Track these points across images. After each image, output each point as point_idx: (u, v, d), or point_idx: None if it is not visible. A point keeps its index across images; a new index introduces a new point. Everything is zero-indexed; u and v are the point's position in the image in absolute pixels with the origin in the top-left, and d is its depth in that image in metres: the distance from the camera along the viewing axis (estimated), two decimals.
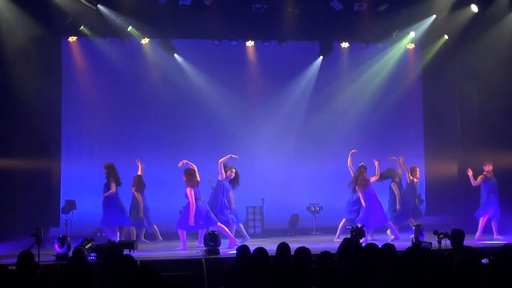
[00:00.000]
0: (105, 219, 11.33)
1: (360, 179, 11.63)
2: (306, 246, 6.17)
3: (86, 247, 8.76)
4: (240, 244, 6.78)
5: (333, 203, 13.00)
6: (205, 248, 9.72)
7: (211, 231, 10.25)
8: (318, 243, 10.96)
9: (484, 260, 5.61)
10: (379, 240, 11.25)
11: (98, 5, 12.22)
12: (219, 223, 10.88)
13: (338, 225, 11.90)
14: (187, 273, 8.27)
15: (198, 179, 10.87)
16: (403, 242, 10.82)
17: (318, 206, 13.56)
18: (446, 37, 13.82)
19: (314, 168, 14.23)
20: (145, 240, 12.32)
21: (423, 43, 14.56)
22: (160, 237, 12.32)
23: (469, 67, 13.20)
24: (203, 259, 8.90)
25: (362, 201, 11.58)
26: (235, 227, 11.37)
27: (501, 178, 12.25)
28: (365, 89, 14.58)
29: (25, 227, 10.24)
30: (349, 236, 9.31)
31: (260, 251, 6.21)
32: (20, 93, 11.74)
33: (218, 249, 9.72)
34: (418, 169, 12.71)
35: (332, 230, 12.48)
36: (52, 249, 9.66)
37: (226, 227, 10.97)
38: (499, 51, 12.34)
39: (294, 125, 14.54)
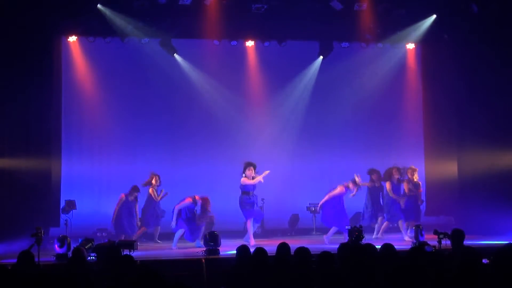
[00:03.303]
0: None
1: None
2: (306, 246, 6.18)
3: (86, 247, 8.76)
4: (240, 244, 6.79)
5: None
6: (205, 248, 9.74)
7: (211, 231, 10.29)
8: (318, 243, 10.95)
9: (484, 260, 5.61)
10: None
11: (98, 5, 12.23)
12: None
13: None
14: (187, 273, 8.27)
15: None
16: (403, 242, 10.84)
17: (318, 206, 13.53)
18: (446, 37, 13.83)
19: (314, 168, 14.22)
20: (158, 241, 12.39)
21: (423, 43, 14.56)
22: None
23: (469, 67, 13.19)
24: (203, 259, 8.91)
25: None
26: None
27: (502, 178, 12.27)
28: (365, 89, 14.56)
29: (25, 227, 10.21)
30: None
31: (260, 251, 6.22)
32: (20, 93, 11.74)
33: (218, 249, 9.74)
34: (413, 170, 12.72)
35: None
36: (52, 249, 9.67)
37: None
38: (499, 51, 12.34)
39: (294, 125, 14.53)
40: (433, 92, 14.52)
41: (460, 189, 13.63)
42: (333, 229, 11.65)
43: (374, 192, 12.58)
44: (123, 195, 11.93)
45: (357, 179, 11.70)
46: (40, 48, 12.18)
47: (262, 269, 5.95)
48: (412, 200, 12.33)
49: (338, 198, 11.67)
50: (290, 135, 14.44)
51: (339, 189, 11.66)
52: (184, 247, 11.27)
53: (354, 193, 11.79)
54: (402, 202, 12.14)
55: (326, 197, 11.69)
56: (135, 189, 12.00)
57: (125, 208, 11.87)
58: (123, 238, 11.72)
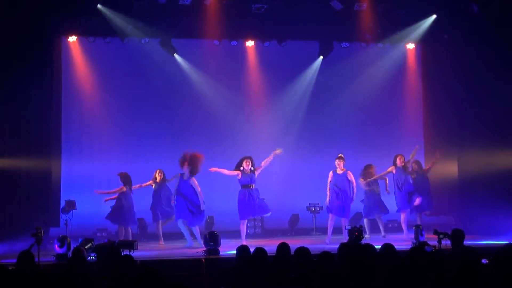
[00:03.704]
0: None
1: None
2: (306, 246, 6.18)
3: (86, 247, 8.77)
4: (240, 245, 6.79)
5: None
6: (205, 248, 9.74)
7: (211, 231, 10.29)
8: (318, 243, 10.95)
9: (484, 260, 5.61)
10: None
11: (98, 5, 12.23)
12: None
13: (342, 225, 11.81)
14: (187, 273, 8.27)
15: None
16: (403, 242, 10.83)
17: (318, 206, 13.55)
18: (446, 37, 13.83)
19: (314, 168, 14.21)
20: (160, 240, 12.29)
21: (423, 43, 14.57)
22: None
23: (469, 67, 13.19)
24: (203, 259, 8.91)
25: None
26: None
27: (501, 177, 12.26)
28: (365, 89, 14.57)
29: (25, 227, 10.23)
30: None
31: (260, 251, 6.22)
32: (20, 93, 11.75)
33: (218, 249, 9.74)
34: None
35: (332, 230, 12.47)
36: (52, 249, 9.67)
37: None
38: (499, 51, 12.34)
39: (294, 124, 14.54)
40: (433, 92, 14.52)
41: (460, 189, 13.63)
42: (329, 224, 11.64)
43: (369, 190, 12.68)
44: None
45: (340, 155, 11.84)
46: (40, 48, 12.19)
47: (262, 269, 5.95)
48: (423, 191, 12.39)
49: (336, 188, 11.67)
50: (290, 135, 14.43)
51: (329, 175, 11.83)
52: (184, 247, 11.27)
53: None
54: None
55: (328, 188, 11.73)
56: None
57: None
58: (123, 231, 11.73)
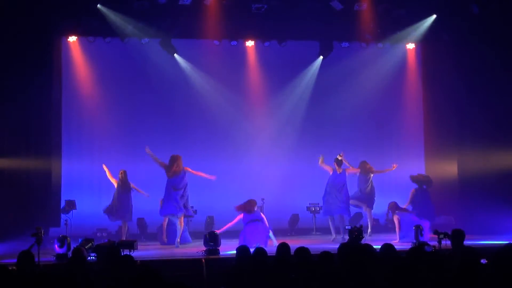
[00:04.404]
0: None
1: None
2: (306, 246, 6.18)
3: (86, 247, 8.76)
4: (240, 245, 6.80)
5: None
6: (205, 248, 9.74)
7: (211, 231, 10.29)
8: (318, 243, 10.96)
9: (483, 260, 5.61)
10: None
11: (98, 5, 12.24)
12: None
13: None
14: (187, 273, 8.27)
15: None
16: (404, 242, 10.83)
17: (318, 206, 13.53)
18: (446, 37, 13.83)
19: (315, 168, 14.19)
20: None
21: (423, 43, 14.57)
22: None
23: (469, 67, 13.19)
24: (203, 259, 8.91)
25: None
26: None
27: (501, 177, 12.27)
28: (365, 89, 14.56)
29: (25, 227, 10.22)
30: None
31: (260, 251, 6.23)
32: (20, 93, 11.76)
33: (218, 249, 9.74)
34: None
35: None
36: (52, 249, 9.67)
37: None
38: (499, 51, 12.35)
39: (294, 125, 14.54)
40: (433, 92, 14.52)
41: (460, 189, 13.64)
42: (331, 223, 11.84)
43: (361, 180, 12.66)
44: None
45: (339, 157, 12.07)
46: (40, 48, 12.20)
47: (262, 269, 5.96)
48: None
49: (333, 184, 11.96)
50: (290, 135, 14.44)
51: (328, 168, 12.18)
52: (184, 247, 11.27)
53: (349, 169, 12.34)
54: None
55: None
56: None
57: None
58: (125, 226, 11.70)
